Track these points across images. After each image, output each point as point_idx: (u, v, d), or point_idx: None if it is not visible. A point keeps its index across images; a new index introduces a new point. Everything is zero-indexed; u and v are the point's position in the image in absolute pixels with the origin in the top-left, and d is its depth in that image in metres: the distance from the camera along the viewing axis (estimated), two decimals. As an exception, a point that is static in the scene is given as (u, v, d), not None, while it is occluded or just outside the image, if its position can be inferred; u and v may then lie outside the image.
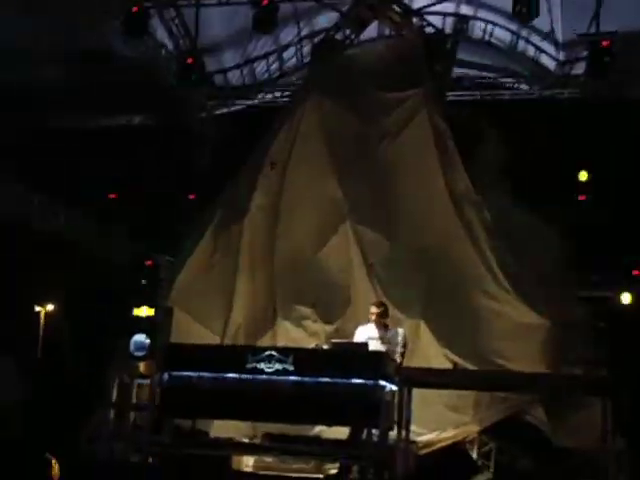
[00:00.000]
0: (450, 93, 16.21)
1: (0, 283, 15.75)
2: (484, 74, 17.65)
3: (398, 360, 10.50)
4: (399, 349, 10.59)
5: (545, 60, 17.45)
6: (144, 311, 11.02)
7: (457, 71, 16.91)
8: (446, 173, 13.21)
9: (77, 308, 17.25)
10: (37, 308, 18.82)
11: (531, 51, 17.47)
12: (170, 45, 17.76)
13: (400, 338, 10.79)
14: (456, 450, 11.32)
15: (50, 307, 18.94)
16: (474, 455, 11.43)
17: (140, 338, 10.72)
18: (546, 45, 17.33)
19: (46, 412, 13.11)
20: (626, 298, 15.09)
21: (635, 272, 15.62)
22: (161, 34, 17.60)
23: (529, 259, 12.96)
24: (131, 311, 10.94)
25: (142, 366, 10.83)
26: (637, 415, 11.07)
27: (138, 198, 17.16)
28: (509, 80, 17.76)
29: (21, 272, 16.43)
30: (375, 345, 10.46)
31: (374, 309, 10.82)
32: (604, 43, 15.04)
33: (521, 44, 17.49)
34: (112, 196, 17.38)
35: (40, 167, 16.24)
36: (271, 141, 13.98)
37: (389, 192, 13.14)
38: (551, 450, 11.20)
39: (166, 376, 10.26)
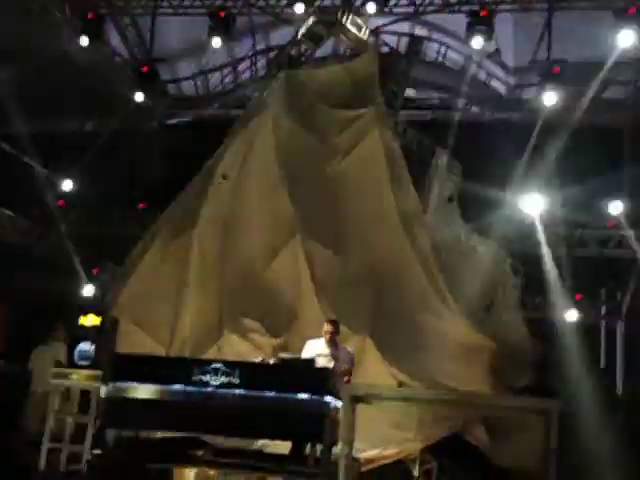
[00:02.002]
0: (402, 112, 16.35)
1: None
2: (437, 95, 17.87)
3: (345, 377, 10.55)
4: (347, 366, 10.64)
5: (496, 84, 17.74)
6: (89, 320, 10.94)
7: (410, 91, 17.10)
8: (396, 192, 13.28)
9: (23, 314, 17.06)
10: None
11: (482, 75, 17.74)
12: (124, 52, 17.70)
13: (349, 356, 10.86)
14: (398, 468, 11.40)
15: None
16: (415, 473, 11.52)
17: (85, 347, 10.64)
18: (497, 69, 17.63)
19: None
20: (571, 316, 15.24)
21: (578, 296, 15.86)
22: (116, 41, 17.54)
23: (477, 281, 13.12)
24: (77, 319, 10.86)
25: (86, 375, 10.75)
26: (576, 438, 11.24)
27: (87, 205, 17.03)
28: (461, 102, 18.00)
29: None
30: (324, 362, 10.50)
31: (327, 327, 10.84)
32: (555, 70, 15.33)
33: (473, 67, 17.75)
34: (61, 202, 17.21)
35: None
36: (223, 153, 13.96)
37: (339, 209, 13.19)
38: (491, 470, 11.32)
39: (110, 386, 10.17)
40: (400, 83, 15.42)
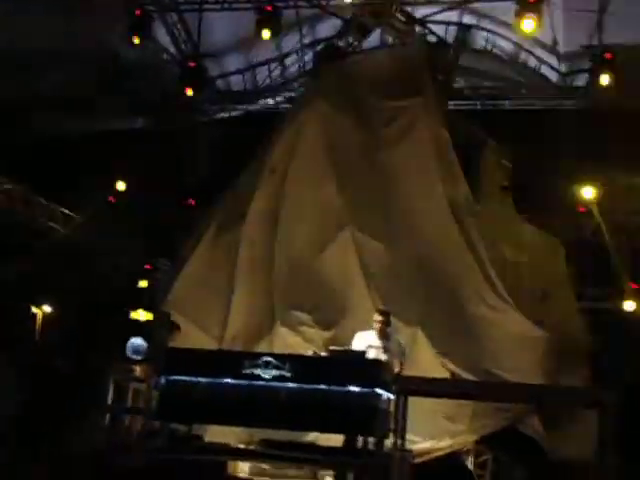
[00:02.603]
0: (452, 102, 16.22)
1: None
2: (486, 84, 17.68)
3: (397, 369, 10.48)
4: (398, 358, 10.58)
5: (546, 71, 17.49)
6: (141, 315, 11.01)
7: (459, 80, 16.96)
8: (446, 183, 13.23)
9: (74, 310, 17.22)
10: (34, 309, 18.76)
11: (532, 62, 17.51)
12: (172, 49, 17.77)
13: (400, 347, 10.78)
14: (452, 460, 11.31)
15: (47, 309, 18.87)
16: (470, 465, 11.43)
17: (137, 341, 10.70)
18: (548, 56, 17.37)
19: (42, 414, 13.08)
20: (629, 306, 14.91)
21: (634, 285, 15.60)
22: (163, 38, 17.62)
23: (529, 271, 12.98)
24: (128, 314, 10.94)
25: (139, 369, 10.82)
26: (631, 430, 11.04)
27: (139, 202, 17.15)
28: (511, 90, 17.79)
29: (19, 273, 16.42)
30: (375, 353, 10.43)
31: (379, 317, 10.77)
32: (607, 55, 15.07)
33: (523, 55, 17.53)
34: (112, 199, 17.36)
35: (42, 169, 16.23)
36: (271, 147, 13.99)
37: (389, 201, 13.14)
38: (546, 461, 11.19)
39: (163, 380, 10.23)
40: (448, 72, 15.29)
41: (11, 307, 16.59)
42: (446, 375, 11.52)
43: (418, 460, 10.97)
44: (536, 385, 11.07)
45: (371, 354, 10.34)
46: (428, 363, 11.78)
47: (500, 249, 12.88)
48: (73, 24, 15.70)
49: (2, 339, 15.21)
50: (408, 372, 10.85)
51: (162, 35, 17.64)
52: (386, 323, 10.74)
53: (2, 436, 12.16)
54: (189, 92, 16.31)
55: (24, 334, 17.55)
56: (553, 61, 17.32)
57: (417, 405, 10.39)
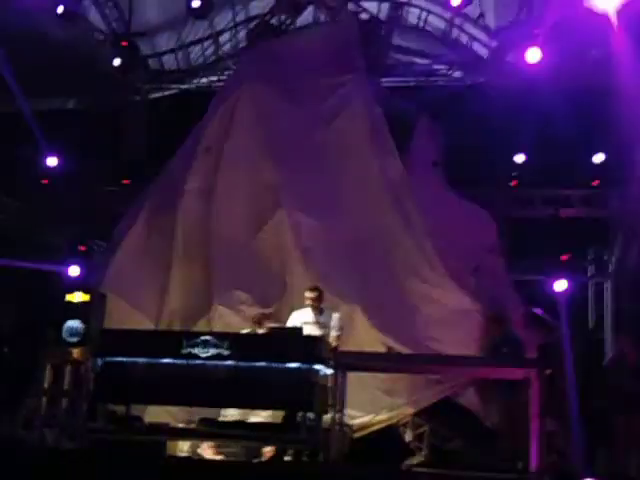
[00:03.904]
0: (384, 79, 16.29)
1: None
2: (419, 61, 17.80)
3: (334, 344, 10.58)
4: (335, 333, 10.68)
5: (478, 47, 17.67)
6: (77, 297, 10.96)
7: (392, 57, 17.05)
8: (380, 159, 13.29)
9: (11, 295, 17.01)
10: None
11: (464, 38, 17.67)
12: (104, 28, 17.57)
13: (336, 322, 10.88)
14: (390, 433, 11.47)
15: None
16: (408, 438, 11.60)
17: (74, 324, 10.65)
18: (479, 33, 17.55)
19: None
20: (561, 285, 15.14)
21: (563, 257, 15.89)
22: (95, 17, 17.40)
23: (462, 245, 13.14)
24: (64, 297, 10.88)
25: (76, 352, 10.77)
26: (569, 396, 11.28)
27: (72, 183, 16.95)
28: (443, 67, 17.94)
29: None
30: (311, 329, 10.54)
31: (309, 294, 10.89)
32: (536, 30, 15.25)
33: (454, 31, 17.67)
34: (45, 181, 17.13)
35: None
36: (206, 126, 13.92)
37: (325, 177, 13.16)
38: (482, 432, 11.40)
39: (99, 361, 10.20)
40: (381, 49, 15.36)
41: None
42: (383, 350, 11.63)
43: (357, 434, 11.12)
44: (471, 357, 11.28)
45: (306, 330, 10.43)
46: (366, 339, 11.85)
47: (434, 223, 12.97)
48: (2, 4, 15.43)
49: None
50: (347, 348, 10.98)
51: (93, 14, 17.45)
52: (318, 299, 10.83)
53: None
54: (121, 71, 16.16)
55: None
56: (484, 37, 17.50)
57: (355, 380, 10.53)
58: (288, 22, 15.92)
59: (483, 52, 17.62)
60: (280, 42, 15.09)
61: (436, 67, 17.88)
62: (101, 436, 10.21)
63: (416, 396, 11.54)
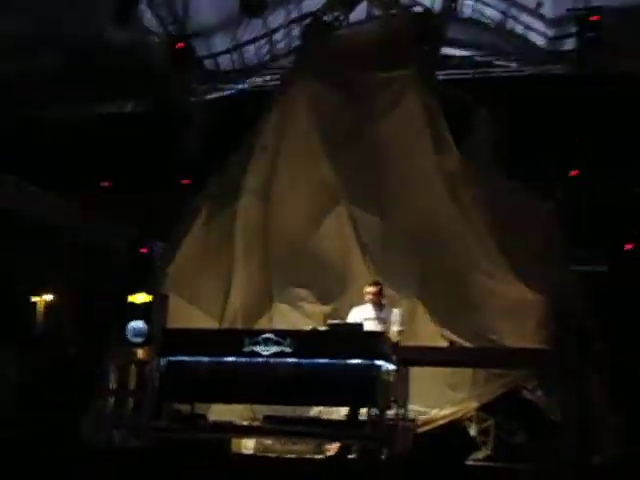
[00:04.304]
0: (440, 72, 16.19)
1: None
2: (474, 53, 17.66)
3: (396, 339, 10.54)
4: (396, 328, 10.62)
5: (534, 37, 17.47)
6: (140, 298, 11.05)
7: (447, 50, 16.93)
8: (437, 152, 13.23)
9: (75, 297, 17.27)
10: (34, 299, 18.83)
11: (520, 29, 17.48)
12: (160, 30, 17.71)
13: (397, 317, 10.82)
14: (455, 427, 11.39)
15: (48, 297, 18.94)
16: (473, 432, 11.51)
17: (137, 324, 10.75)
18: (535, 22, 17.34)
19: (44, 399, 13.16)
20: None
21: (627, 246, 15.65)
22: (150, 20, 17.56)
23: (523, 237, 12.99)
24: (127, 298, 10.97)
25: (140, 352, 10.87)
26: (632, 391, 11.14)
27: (132, 185, 17.14)
28: (500, 58, 17.76)
29: (18, 263, 16.45)
30: (372, 325, 10.49)
31: (370, 289, 10.84)
32: (593, 18, 15.05)
33: (510, 22, 17.49)
34: (105, 184, 17.36)
35: (30, 155, 16.21)
36: (262, 124, 13.98)
37: (381, 173, 13.14)
38: (547, 425, 11.27)
39: (163, 361, 10.29)
40: (436, 42, 15.25)
41: (11, 297, 16.62)
42: (445, 345, 11.56)
43: (421, 430, 11.06)
44: (535, 349, 11.14)
45: (367, 326, 10.39)
46: (427, 334, 11.83)
47: (495, 216, 12.85)
48: (60, 9, 15.63)
49: (3, 330, 15.25)
50: (408, 343, 10.92)
51: (149, 17, 17.60)
52: (379, 294, 10.77)
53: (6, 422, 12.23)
54: (178, 73, 16.26)
55: (25, 323, 17.62)
56: (540, 26, 17.30)
57: (418, 375, 10.48)
58: (342, 18, 15.86)
59: (540, 42, 17.40)
60: (334, 38, 15.06)
61: (492, 58, 17.70)
62: (166, 435, 10.29)
63: (479, 390, 11.46)
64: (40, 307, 18.65)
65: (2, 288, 16.08)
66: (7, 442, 10.33)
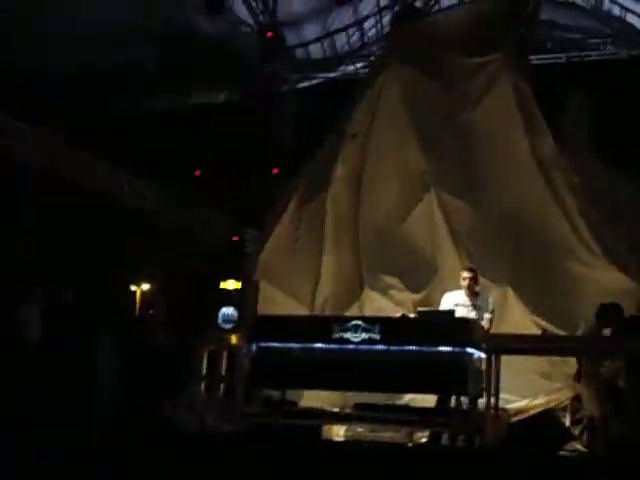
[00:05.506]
0: (533, 56, 15.90)
1: (97, 264, 16.11)
2: (568, 35, 17.29)
3: (486, 327, 10.38)
4: (487, 315, 10.45)
5: (632, 19, 17.01)
6: (231, 284, 11.14)
7: (541, 33, 16.60)
8: (530, 137, 12.98)
9: (169, 285, 17.52)
10: (133, 287, 19.24)
11: (616, 10, 17.04)
12: (250, 20, 17.82)
13: (489, 305, 10.66)
14: (549, 417, 11.17)
15: (145, 286, 19.33)
16: (567, 422, 11.27)
17: (228, 310, 10.85)
18: (633, 4, 16.88)
19: (141, 384, 13.36)
20: None
21: None
22: (240, 10, 17.68)
23: (620, 224, 12.67)
24: (218, 285, 11.08)
25: (231, 338, 10.97)
26: None
27: (223, 174, 17.31)
28: (595, 41, 17.36)
29: (116, 253, 16.78)
30: (464, 312, 10.31)
31: (466, 274, 10.60)
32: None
33: (606, 3, 17.07)
34: (197, 173, 17.58)
35: (125, 145, 16.51)
36: (352, 112, 13.95)
37: (473, 159, 12.98)
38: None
39: (254, 347, 10.34)
40: (529, 26, 14.96)
41: (110, 287, 16.95)
42: (538, 333, 11.35)
43: (514, 419, 10.89)
44: (630, 337, 10.83)
45: (459, 312, 10.25)
46: (519, 321, 11.64)
47: (588, 202, 12.56)
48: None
49: (103, 317, 15.55)
50: (499, 331, 10.75)
51: (239, 7, 17.72)
52: (474, 280, 10.61)
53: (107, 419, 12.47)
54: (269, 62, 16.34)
55: (124, 311, 17.94)
56: (638, 8, 16.82)
57: (511, 363, 10.30)
58: (432, 3, 15.74)
59: (638, 23, 16.93)
60: (425, 24, 14.92)
61: (588, 41, 17.30)
62: (257, 420, 10.35)
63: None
64: (138, 295, 19.05)
65: (106, 277, 16.40)
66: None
